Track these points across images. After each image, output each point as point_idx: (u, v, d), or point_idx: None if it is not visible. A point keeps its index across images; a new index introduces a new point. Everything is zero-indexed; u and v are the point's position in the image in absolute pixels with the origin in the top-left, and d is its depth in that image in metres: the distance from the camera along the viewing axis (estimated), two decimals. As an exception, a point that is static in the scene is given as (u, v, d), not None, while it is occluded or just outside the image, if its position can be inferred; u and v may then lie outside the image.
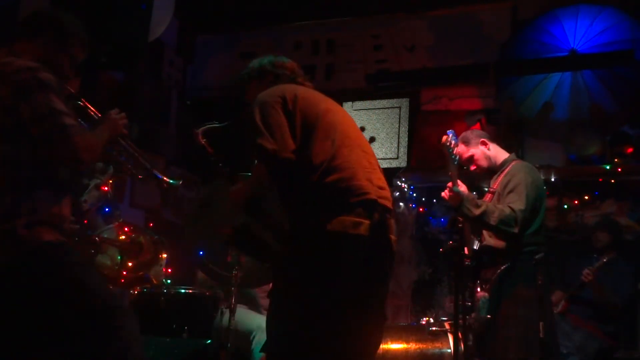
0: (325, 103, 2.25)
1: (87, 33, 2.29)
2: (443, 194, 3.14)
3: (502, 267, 3.10)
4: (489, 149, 3.37)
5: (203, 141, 2.51)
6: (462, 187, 3.15)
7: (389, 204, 2.14)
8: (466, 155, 3.36)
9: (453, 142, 2.98)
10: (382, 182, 2.18)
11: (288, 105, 2.12)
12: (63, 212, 2.06)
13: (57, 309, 1.91)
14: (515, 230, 3.00)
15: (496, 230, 3.07)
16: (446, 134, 3.01)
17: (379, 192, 2.11)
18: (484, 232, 3.25)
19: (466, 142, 3.39)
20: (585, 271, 4.43)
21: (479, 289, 3.18)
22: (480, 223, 3.06)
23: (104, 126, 2.22)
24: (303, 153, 2.06)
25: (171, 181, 2.51)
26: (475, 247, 3.18)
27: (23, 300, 1.91)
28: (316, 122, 2.12)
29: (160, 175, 2.49)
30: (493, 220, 3.00)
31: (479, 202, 3.09)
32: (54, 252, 1.97)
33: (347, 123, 2.26)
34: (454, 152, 3.02)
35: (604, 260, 4.41)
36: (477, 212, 3.01)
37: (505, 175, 3.26)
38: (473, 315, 3.05)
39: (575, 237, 5.27)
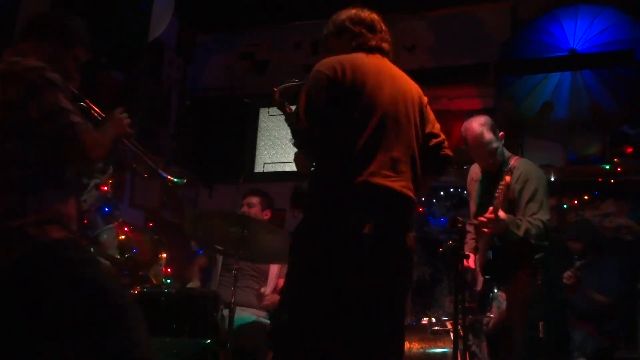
0: (375, 79, 2.20)
1: (90, 34, 2.32)
2: (485, 228, 3.08)
3: (520, 270, 3.11)
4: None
5: (279, 100, 2.37)
6: (502, 214, 3.08)
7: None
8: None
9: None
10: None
11: (338, 78, 2.13)
12: (69, 212, 2.07)
13: (65, 305, 1.93)
14: (547, 243, 3.07)
15: (532, 247, 3.07)
16: (507, 175, 3.07)
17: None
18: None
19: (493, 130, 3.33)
20: (567, 274, 4.39)
21: (495, 290, 3.18)
22: (521, 243, 3.05)
23: (110, 125, 2.24)
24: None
25: (175, 180, 2.53)
26: (490, 257, 3.16)
27: (32, 297, 1.92)
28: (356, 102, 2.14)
29: (164, 174, 2.52)
30: (533, 239, 3.02)
31: (517, 221, 3.07)
32: (63, 249, 1.98)
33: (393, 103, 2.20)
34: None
35: (582, 262, 4.35)
36: (520, 233, 3.02)
37: (514, 183, 3.18)
38: (489, 314, 3.06)
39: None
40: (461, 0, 5.80)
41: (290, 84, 2.38)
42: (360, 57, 2.25)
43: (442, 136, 2.34)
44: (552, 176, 5.36)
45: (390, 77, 2.25)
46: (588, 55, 5.16)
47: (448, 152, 2.34)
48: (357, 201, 2.06)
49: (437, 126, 2.35)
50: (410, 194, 2.13)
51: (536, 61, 5.34)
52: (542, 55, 5.31)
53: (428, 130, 2.31)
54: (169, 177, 2.53)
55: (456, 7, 5.84)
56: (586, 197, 5.49)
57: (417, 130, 2.25)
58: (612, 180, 5.32)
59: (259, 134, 6.60)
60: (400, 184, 2.10)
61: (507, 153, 3.33)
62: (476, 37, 5.71)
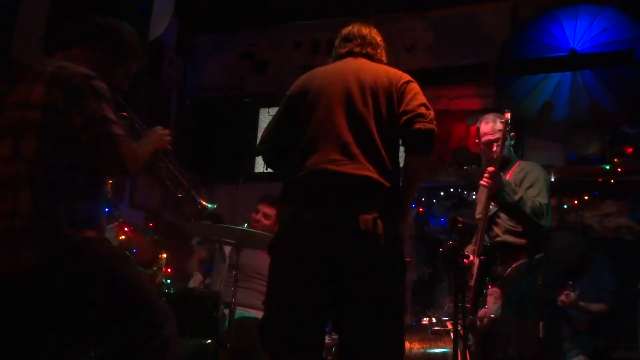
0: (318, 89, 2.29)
1: (142, 45, 2.35)
2: (483, 181, 3.07)
3: (516, 264, 3.10)
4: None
5: None
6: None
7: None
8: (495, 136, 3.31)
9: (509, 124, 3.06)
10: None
11: (293, 95, 2.35)
12: (103, 224, 2.08)
13: (98, 302, 1.93)
14: (543, 222, 3.05)
15: (527, 220, 3.06)
16: (507, 112, 3.05)
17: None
18: (496, 229, 3.24)
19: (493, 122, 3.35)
20: (562, 297, 4.20)
21: (490, 286, 3.18)
22: (515, 210, 3.04)
23: (150, 139, 2.24)
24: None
25: (208, 205, 2.53)
26: (486, 243, 3.17)
27: (65, 293, 1.91)
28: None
29: (198, 199, 2.52)
30: (527, 209, 3.01)
31: (516, 188, 3.09)
32: (96, 246, 1.99)
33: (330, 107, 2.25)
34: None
35: (577, 292, 4.22)
36: (516, 198, 3.02)
37: (517, 172, 3.27)
38: (482, 311, 3.05)
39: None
40: (461, 0, 5.80)
41: None
42: (324, 67, 2.39)
43: (418, 111, 2.15)
44: (552, 176, 5.37)
45: (352, 71, 2.29)
46: (588, 55, 5.16)
47: (421, 125, 2.12)
48: (299, 191, 2.16)
49: (414, 103, 2.18)
50: (366, 173, 2.10)
51: (536, 61, 5.34)
52: (542, 55, 5.31)
53: (401, 109, 2.20)
54: (202, 201, 2.52)
55: (456, 7, 5.84)
56: (586, 197, 5.49)
57: (381, 115, 2.21)
58: (612, 180, 5.32)
59: (259, 134, 6.59)
60: (351, 167, 2.10)
61: (514, 155, 3.39)
62: (476, 37, 5.71)
